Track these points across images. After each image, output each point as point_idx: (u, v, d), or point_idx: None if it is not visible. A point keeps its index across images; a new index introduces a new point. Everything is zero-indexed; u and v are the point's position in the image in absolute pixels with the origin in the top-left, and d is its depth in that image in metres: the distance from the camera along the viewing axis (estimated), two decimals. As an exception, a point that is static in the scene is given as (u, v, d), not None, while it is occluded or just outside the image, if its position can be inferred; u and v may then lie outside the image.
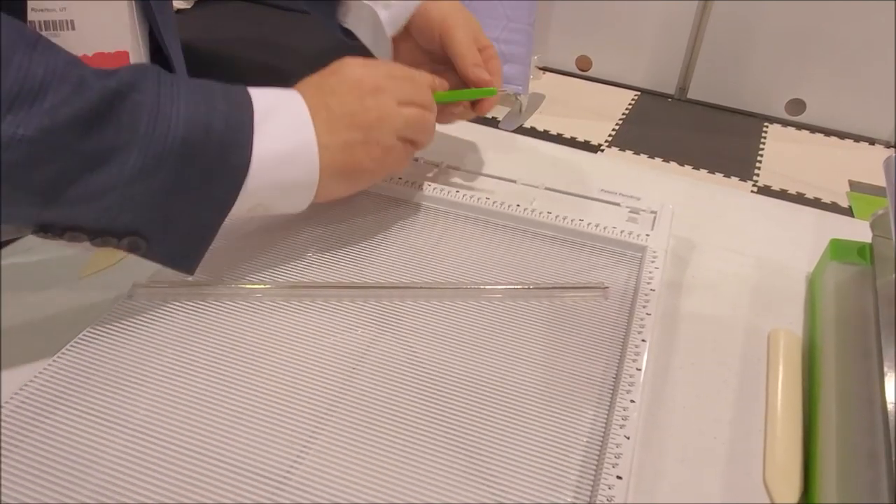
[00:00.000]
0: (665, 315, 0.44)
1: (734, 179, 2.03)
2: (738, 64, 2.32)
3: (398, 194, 0.53)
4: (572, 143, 2.14)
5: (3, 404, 0.36)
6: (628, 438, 0.34)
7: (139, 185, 0.36)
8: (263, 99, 0.41)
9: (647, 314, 0.42)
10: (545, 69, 2.58)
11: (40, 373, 0.37)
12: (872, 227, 0.42)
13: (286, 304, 0.43)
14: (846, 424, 0.33)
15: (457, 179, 0.56)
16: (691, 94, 2.45)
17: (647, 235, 0.49)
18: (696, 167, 2.08)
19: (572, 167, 0.60)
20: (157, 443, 0.34)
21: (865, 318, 0.38)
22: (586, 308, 0.44)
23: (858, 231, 0.46)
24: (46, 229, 0.37)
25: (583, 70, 2.59)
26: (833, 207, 1.92)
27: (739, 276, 0.48)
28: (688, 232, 0.52)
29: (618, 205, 0.53)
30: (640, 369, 0.38)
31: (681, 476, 0.35)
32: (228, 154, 0.39)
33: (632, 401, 0.36)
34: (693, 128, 2.32)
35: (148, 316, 0.42)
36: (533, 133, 2.16)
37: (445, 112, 0.54)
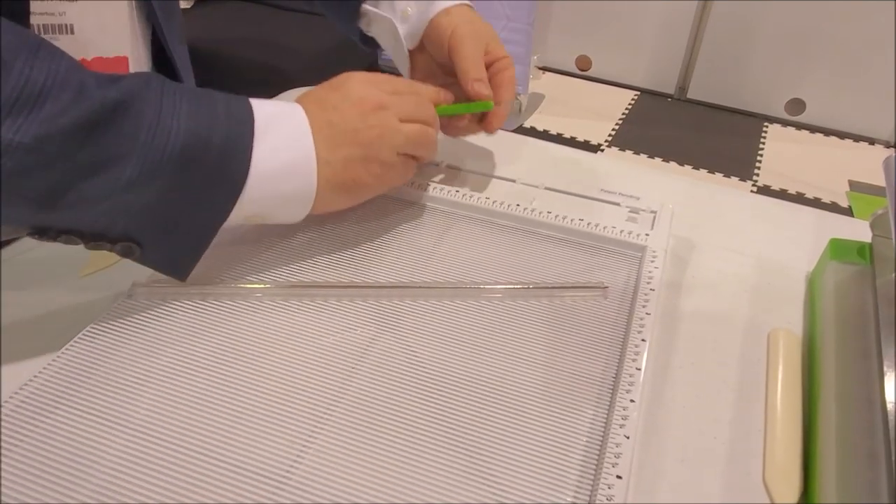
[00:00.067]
0: (665, 315, 0.44)
1: (734, 179, 2.03)
2: (737, 64, 2.32)
3: (398, 194, 0.53)
4: (572, 142, 2.14)
5: (3, 403, 0.36)
6: (628, 438, 0.34)
7: (136, 193, 0.36)
8: (264, 111, 0.41)
9: (647, 314, 0.42)
10: (545, 69, 2.58)
11: (40, 372, 0.37)
12: (872, 226, 0.42)
13: (286, 304, 0.43)
14: (846, 424, 0.33)
15: (456, 179, 0.56)
16: (691, 94, 2.45)
17: (647, 235, 0.49)
18: (696, 167, 2.08)
19: (572, 167, 0.60)
20: (158, 442, 0.34)
21: (865, 318, 0.38)
22: (586, 308, 0.44)
23: (858, 231, 0.46)
24: (42, 232, 0.37)
25: (582, 70, 2.59)
26: (833, 207, 1.92)
27: (739, 275, 0.48)
28: (687, 232, 0.52)
29: (618, 204, 0.53)
30: (639, 369, 0.38)
31: (680, 476, 0.35)
32: (226, 165, 0.39)
33: (631, 400, 0.36)
34: (693, 128, 2.32)
35: (148, 315, 0.42)
36: (533, 133, 2.16)
37: (451, 125, 0.54)
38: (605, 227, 0.49)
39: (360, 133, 0.44)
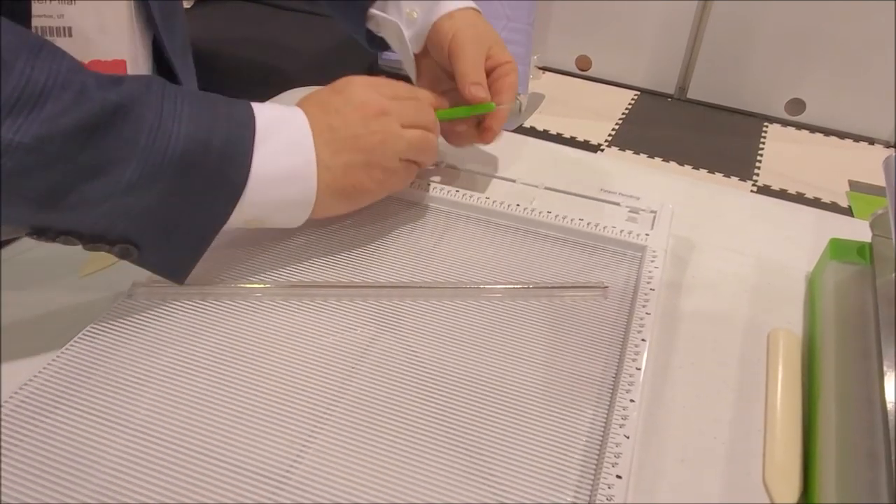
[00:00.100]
0: (665, 314, 0.44)
1: (734, 179, 2.03)
2: (737, 64, 2.32)
3: (397, 194, 0.53)
4: (572, 142, 2.14)
5: (2, 403, 0.36)
6: (628, 438, 0.34)
7: (135, 196, 0.37)
8: (265, 115, 0.41)
9: (647, 314, 0.42)
10: (545, 69, 2.58)
11: (40, 372, 0.37)
12: (872, 226, 0.42)
13: (286, 304, 0.43)
14: (846, 424, 0.33)
15: (456, 179, 0.56)
16: (691, 94, 2.45)
17: (647, 235, 0.49)
18: (696, 167, 2.08)
19: (572, 167, 0.60)
20: (158, 442, 0.34)
21: (865, 318, 0.38)
22: (586, 307, 0.44)
23: (858, 231, 0.46)
24: (41, 232, 0.37)
25: (582, 70, 2.59)
26: (833, 207, 1.93)
27: (739, 275, 0.48)
28: (687, 231, 0.52)
29: (617, 204, 0.53)
30: (639, 369, 0.38)
31: (680, 476, 0.35)
32: (226, 170, 0.39)
33: (631, 400, 0.36)
34: (693, 128, 2.32)
35: (148, 315, 0.42)
36: (532, 133, 2.16)
37: (453, 133, 0.54)
38: (605, 227, 0.49)
39: (362, 139, 0.44)
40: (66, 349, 0.39)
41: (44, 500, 0.31)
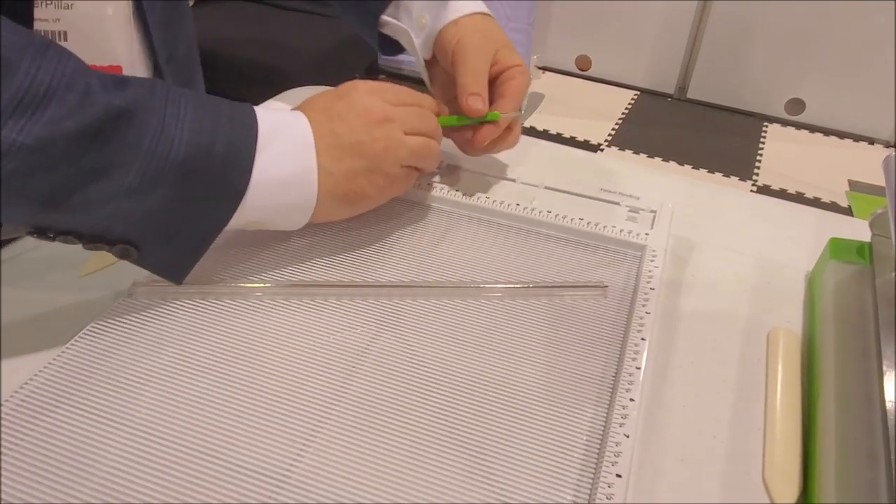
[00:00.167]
0: (664, 314, 0.44)
1: (734, 179, 2.03)
2: (737, 64, 2.32)
3: (398, 193, 0.53)
4: (572, 142, 2.14)
5: (3, 402, 0.36)
6: (628, 437, 0.34)
7: (136, 200, 0.37)
8: (268, 121, 0.41)
9: (647, 313, 0.42)
10: (545, 69, 2.58)
11: (40, 371, 0.37)
12: (871, 226, 0.42)
13: (286, 303, 0.43)
14: (845, 423, 0.34)
15: (456, 179, 0.56)
16: (691, 94, 2.45)
17: (647, 234, 0.49)
18: (696, 167, 2.08)
19: (572, 166, 0.60)
20: (158, 441, 0.34)
21: (865, 317, 0.38)
22: (586, 307, 0.44)
23: (858, 230, 0.46)
24: (42, 232, 0.37)
25: (582, 70, 2.59)
26: (832, 207, 1.93)
27: (739, 275, 0.48)
28: (687, 231, 0.52)
29: (617, 204, 0.53)
30: (639, 368, 0.38)
31: (680, 475, 0.35)
32: (228, 175, 0.39)
33: (631, 399, 0.36)
34: (692, 127, 2.32)
35: (148, 314, 0.42)
36: (532, 132, 2.16)
37: (464, 142, 0.54)
38: (604, 227, 0.49)
39: (365, 145, 0.44)
40: (67, 348, 0.39)
41: (44, 500, 0.31)
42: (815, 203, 1.93)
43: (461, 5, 0.54)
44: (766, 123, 2.35)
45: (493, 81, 0.53)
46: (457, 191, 0.53)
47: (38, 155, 0.33)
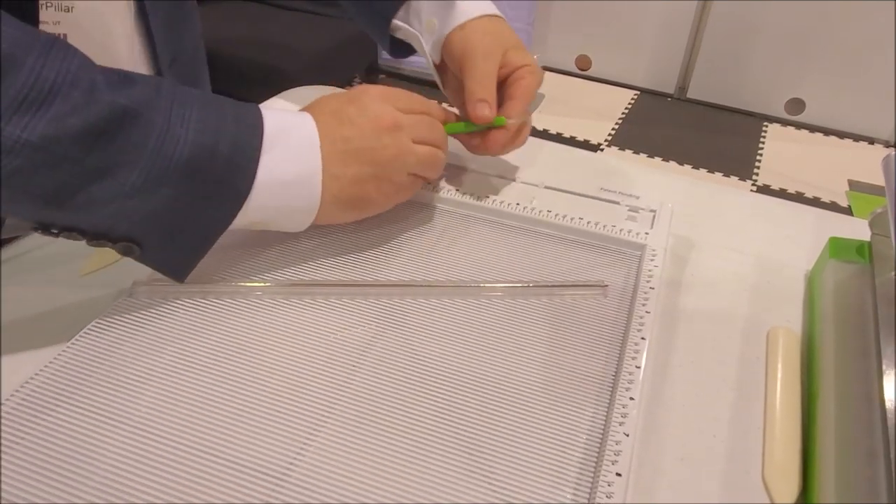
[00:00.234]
0: (664, 313, 0.44)
1: (733, 179, 2.03)
2: (737, 63, 2.32)
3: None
4: (572, 142, 2.14)
5: (3, 402, 0.36)
6: (628, 436, 0.34)
7: (140, 199, 0.37)
8: (274, 122, 0.41)
9: (647, 312, 0.42)
10: (545, 68, 2.59)
11: (41, 370, 0.37)
12: (871, 225, 0.42)
13: (287, 303, 0.43)
14: (845, 423, 0.34)
15: (457, 178, 0.56)
16: (691, 94, 2.45)
17: (647, 234, 0.49)
18: (696, 166, 2.08)
19: (572, 166, 0.60)
20: (158, 440, 0.34)
21: (864, 317, 0.38)
22: (586, 306, 0.44)
23: (857, 230, 0.46)
24: (46, 228, 0.37)
25: (582, 69, 2.59)
26: (832, 206, 1.93)
27: (739, 274, 0.48)
28: (687, 231, 0.52)
29: (617, 203, 0.53)
30: (639, 367, 0.38)
31: (680, 474, 0.35)
32: (231, 177, 0.39)
33: (631, 398, 0.36)
34: (692, 127, 2.32)
35: (149, 313, 0.42)
36: (533, 132, 2.15)
37: (469, 145, 0.54)
38: (604, 226, 0.49)
39: (374, 152, 0.44)
40: (68, 347, 0.39)
41: (44, 498, 0.31)
42: (815, 203, 1.93)
43: (468, 7, 0.54)
44: (766, 123, 2.35)
45: (503, 82, 0.53)
46: (457, 190, 0.53)
47: (43, 153, 0.33)
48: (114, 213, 0.37)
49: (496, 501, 0.32)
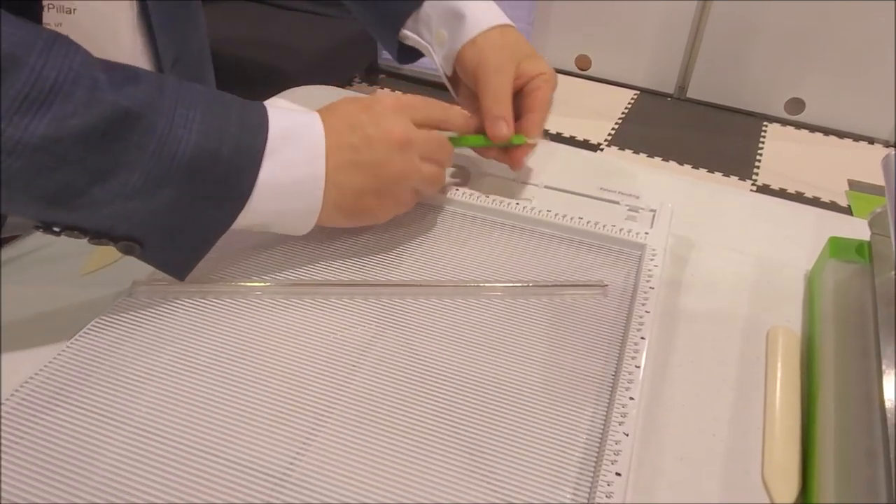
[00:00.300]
0: (664, 313, 0.44)
1: (733, 178, 2.03)
2: (737, 63, 2.32)
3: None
4: (572, 142, 2.14)
5: (3, 401, 0.36)
6: (627, 435, 0.34)
7: (140, 200, 0.36)
8: (280, 125, 0.40)
9: (647, 312, 0.42)
10: (545, 68, 2.58)
11: (41, 369, 0.37)
12: (871, 225, 0.42)
13: (286, 302, 0.43)
14: (845, 423, 0.34)
15: (456, 178, 0.56)
16: (691, 94, 2.46)
17: (647, 234, 0.49)
18: (696, 166, 2.08)
19: (571, 165, 0.60)
20: (158, 440, 0.34)
21: (864, 316, 0.38)
22: (586, 306, 0.44)
23: (857, 230, 0.46)
24: (47, 227, 0.37)
25: (582, 69, 2.59)
26: (832, 206, 1.93)
27: (738, 274, 0.48)
28: (687, 230, 0.52)
29: (617, 203, 0.53)
30: (639, 367, 0.38)
31: (679, 473, 0.35)
32: (233, 178, 0.39)
33: (631, 398, 0.36)
34: (692, 127, 2.32)
35: (149, 313, 0.42)
36: (532, 132, 2.15)
37: (486, 156, 0.54)
38: (604, 226, 0.49)
39: (380, 167, 0.43)
40: (67, 347, 0.39)
41: (44, 498, 0.31)
42: (815, 202, 1.93)
43: (478, 19, 0.53)
44: (765, 123, 2.35)
45: (520, 92, 0.53)
46: (456, 190, 0.53)
47: (43, 154, 0.33)
48: (115, 214, 0.37)
49: (496, 501, 0.32)
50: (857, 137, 2.29)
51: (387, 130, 0.43)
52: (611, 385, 0.38)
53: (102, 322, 0.41)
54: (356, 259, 0.47)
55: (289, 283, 0.44)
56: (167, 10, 0.54)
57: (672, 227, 0.50)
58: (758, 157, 2.14)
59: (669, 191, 0.58)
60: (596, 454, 0.35)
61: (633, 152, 2.13)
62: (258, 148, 0.39)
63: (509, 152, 0.53)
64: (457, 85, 0.58)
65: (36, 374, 0.37)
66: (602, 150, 2.14)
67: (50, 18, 0.45)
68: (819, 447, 0.35)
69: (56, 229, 0.37)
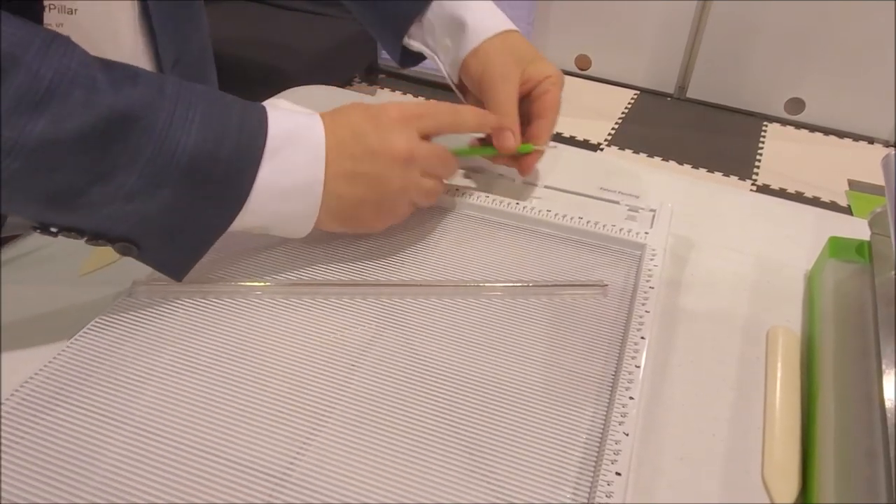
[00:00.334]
0: (664, 313, 0.44)
1: (733, 178, 2.03)
2: (737, 63, 2.32)
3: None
4: (572, 142, 2.14)
5: (3, 401, 0.36)
6: (627, 435, 0.34)
7: (137, 202, 0.36)
8: (281, 127, 0.40)
9: (647, 312, 0.42)
10: (545, 68, 2.58)
11: (41, 369, 0.37)
12: (871, 224, 0.42)
13: (286, 302, 0.43)
14: (844, 422, 0.34)
15: (456, 178, 0.56)
16: (690, 94, 2.45)
17: (647, 233, 0.49)
18: (696, 166, 2.08)
19: (572, 165, 0.60)
20: (158, 439, 0.34)
21: (864, 316, 0.38)
22: (586, 305, 0.44)
23: (857, 229, 0.46)
24: (45, 228, 0.37)
25: (582, 69, 2.59)
26: (832, 206, 1.93)
27: (738, 274, 0.48)
28: (687, 230, 0.52)
29: (617, 203, 0.53)
30: (639, 366, 0.38)
31: (679, 473, 0.35)
32: (232, 180, 0.38)
33: (631, 398, 0.36)
34: (692, 127, 2.32)
35: (148, 313, 0.42)
36: (532, 132, 2.15)
37: (516, 165, 0.54)
38: (604, 226, 0.49)
39: (380, 181, 0.43)
40: (67, 347, 0.39)
41: (45, 498, 0.31)
42: (815, 202, 1.93)
43: (479, 28, 0.53)
44: (765, 123, 2.35)
45: (527, 96, 0.53)
46: (456, 189, 0.53)
47: (41, 155, 0.33)
48: (113, 214, 0.37)
49: (496, 501, 0.32)
50: (857, 137, 2.29)
51: (390, 144, 0.43)
52: (611, 385, 0.38)
53: (102, 322, 0.41)
54: (356, 259, 0.47)
55: (289, 283, 0.44)
56: (168, 11, 0.53)
57: (672, 226, 0.50)
58: (758, 157, 2.14)
59: (669, 191, 0.58)
60: (596, 454, 0.35)
61: (633, 152, 2.13)
62: (257, 150, 0.39)
63: (518, 160, 0.53)
64: (465, 91, 0.58)
65: (36, 374, 0.37)
66: (602, 150, 2.14)
67: (51, 19, 0.45)
68: (819, 447, 0.35)
69: (53, 230, 0.37)
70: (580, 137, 2.18)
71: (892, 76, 2.13)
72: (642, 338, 0.40)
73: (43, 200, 0.35)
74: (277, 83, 0.75)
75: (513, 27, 0.55)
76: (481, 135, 0.53)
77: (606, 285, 0.45)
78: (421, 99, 2.42)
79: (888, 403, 0.32)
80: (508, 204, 0.51)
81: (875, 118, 2.23)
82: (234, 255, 0.46)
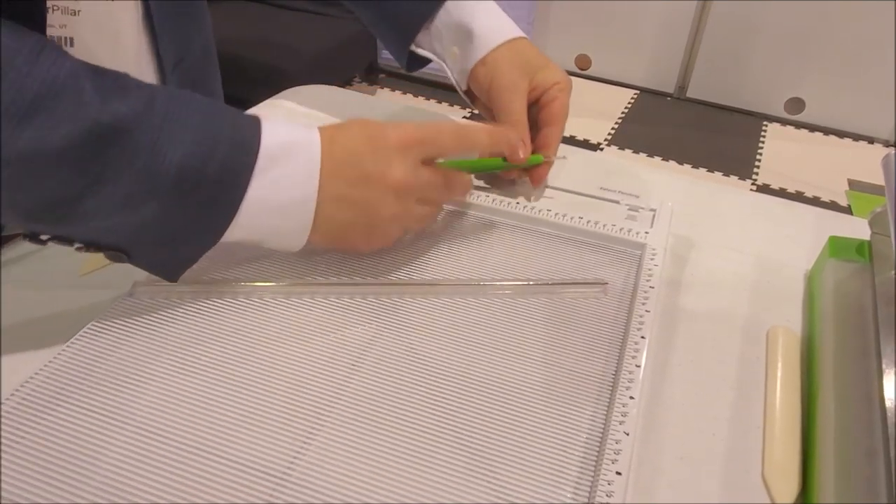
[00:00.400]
0: (664, 312, 0.44)
1: (733, 178, 2.03)
2: (737, 63, 2.32)
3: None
4: (572, 141, 2.14)
5: (3, 401, 0.36)
6: (627, 434, 0.34)
7: (126, 214, 0.36)
8: (275, 141, 0.39)
9: (647, 311, 0.42)
10: (545, 68, 2.58)
11: (40, 370, 0.37)
12: (871, 224, 0.42)
13: (287, 302, 0.43)
14: (845, 422, 0.34)
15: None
16: (691, 93, 2.46)
17: (647, 233, 0.49)
18: (696, 166, 2.08)
19: (572, 165, 0.60)
20: (158, 439, 0.34)
21: (864, 316, 0.38)
22: (586, 305, 0.44)
23: (857, 229, 0.46)
24: (34, 236, 0.37)
25: (582, 69, 2.59)
26: (832, 206, 1.93)
27: (738, 273, 0.48)
28: (687, 230, 0.52)
29: (617, 202, 0.53)
30: (639, 366, 0.38)
31: (679, 473, 0.35)
32: (220, 196, 0.38)
33: (631, 397, 0.36)
34: (692, 127, 2.32)
35: (149, 313, 0.42)
36: (532, 132, 2.15)
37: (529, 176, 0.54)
38: (604, 225, 0.49)
39: (373, 207, 0.42)
40: (67, 347, 0.39)
41: (45, 498, 0.31)
42: (815, 202, 1.93)
43: (486, 37, 0.53)
44: (765, 123, 2.35)
45: (536, 103, 0.53)
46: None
47: (26, 166, 0.32)
48: (101, 226, 0.36)
49: (496, 500, 0.32)
50: (857, 137, 2.29)
51: (386, 171, 0.41)
52: (611, 384, 0.38)
53: (102, 322, 0.41)
54: (356, 259, 0.47)
55: (289, 283, 0.44)
56: (171, 11, 0.53)
57: (672, 226, 0.50)
58: (758, 157, 2.14)
59: (669, 190, 0.58)
60: (596, 453, 0.35)
61: (633, 152, 2.14)
62: (247, 165, 0.38)
63: (529, 171, 0.53)
64: (474, 97, 0.58)
65: (36, 374, 0.37)
66: (602, 149, 2.14)
67: (55, 20, 0.45)
68: (819, 447, 0.35)
69: (43, 238, 0.37)
70: (580, 137, 2.18)
71: (892, 76, 2.13)
72: (642, 337, 0.40)
73: (30, 210, 0.35)
74: (277, 83, 0.75)
75: (520, 33, 0.55)
76: None
77: (606, 283, 0.45)
78: (421, 99, 2.42)
79: (888, 403, 0.32)
80: (509, 203, 0.51)
81: (875, 118, 2.23)
82: (235, 255, 0.46)
